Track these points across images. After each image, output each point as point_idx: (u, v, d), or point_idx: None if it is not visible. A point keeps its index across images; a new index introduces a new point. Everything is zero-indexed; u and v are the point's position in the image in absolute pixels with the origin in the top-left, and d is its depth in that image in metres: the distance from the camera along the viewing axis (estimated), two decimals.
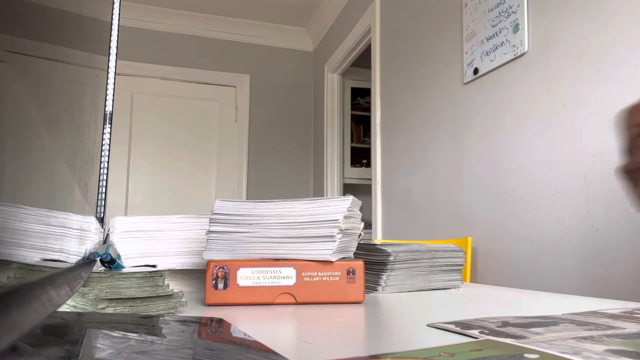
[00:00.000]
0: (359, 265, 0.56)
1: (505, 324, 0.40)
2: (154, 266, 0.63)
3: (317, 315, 0.49)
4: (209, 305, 0.54)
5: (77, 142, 0.46)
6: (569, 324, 0.40)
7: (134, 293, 0.45)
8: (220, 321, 0.42)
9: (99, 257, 0.50)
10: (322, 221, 0.56)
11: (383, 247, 0.71)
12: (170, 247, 0.67)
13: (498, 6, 1.61)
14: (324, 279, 0.55)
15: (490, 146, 1.66)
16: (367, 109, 3.59)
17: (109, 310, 0.43)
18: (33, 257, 0.29)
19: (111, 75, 0.73)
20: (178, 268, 0.67)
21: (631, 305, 0.53)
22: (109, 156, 0.71)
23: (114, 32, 0.73)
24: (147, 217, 0.68)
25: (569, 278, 1.28)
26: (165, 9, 3.58)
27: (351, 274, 0.56)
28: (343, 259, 0.58)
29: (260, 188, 3.73)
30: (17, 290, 0.19)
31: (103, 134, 0.71)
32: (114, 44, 0.73)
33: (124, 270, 0.50)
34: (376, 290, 0.69)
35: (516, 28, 1.52)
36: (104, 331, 0.35)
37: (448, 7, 1.93)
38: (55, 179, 0.36)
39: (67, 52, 0.38)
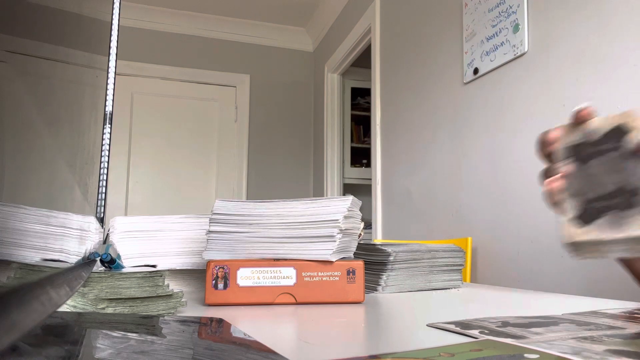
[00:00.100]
0: (359, 265, 0.56)
1: (505, 324, 0.40)
2: (154, 266, 0.63)
3: (317, 315, 0.49)
4: (209, 305, 0.54)
5: (77, 142, 0.46)
6: (569, 324, 0.40)
7: (134, 293, 0.45)
8: (220, 321, 0.42)
9: (99, 257, 0.50)
10: (322, 221, 0.56)
11: (383, 247, 0.71)
12: (170, 247, 0.67)
13: (498, 6, 1.61)
14: (324, 279, 0.55)
15: (490, 146, 1.66)
16: (367, 109, 3.59)
17: (109, 310, 0.43)
18: (33, 257, 0.29)
19: (111, 75, 0.73)
20: (178, 268, 0.67)
21: (631, 305, 0.53)
22: (109, 156, 0.71)
23: (114, 32, 0.73)
24: (147, 217, 0.68)
25: (569, 278, 1.28)
26: (165, 9, 3.58)
27: (351, 274, 0.56)
28: (343, 259, 0.58)
29: (260, 188, 3.73)
30: (17, 290, 0.19)
31: (103, 134, 0.71)
32: (114, 44, 0.73)
33: (124, 270, 0.50)
34: (376, 290, 0.69)
35: (516, 28, 1.52)
36: (104, 331, 0.35)
37: (448, 7, 1.93)
38: (55, 179, 0.36)
39: (67, 52, 0.38)
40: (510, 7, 1.55)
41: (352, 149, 3.69)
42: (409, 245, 0.73)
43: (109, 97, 0.73)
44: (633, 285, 0.76)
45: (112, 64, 0.72)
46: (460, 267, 0.76)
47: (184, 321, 0.41)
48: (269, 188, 3.74)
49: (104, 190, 0.71)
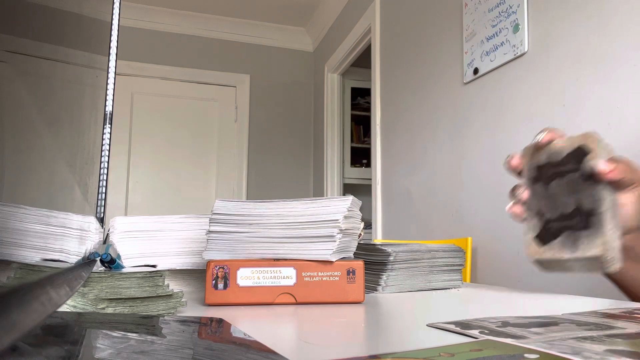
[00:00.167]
0: (359, 265, 0.56)
1: (505, 324, 0.40)
2: (154, 266, 0.63)
3: (317, 315, 0.49)
4: (209, 305, 0.54)
5: (77, 142, 0.46)
6: (569, 324, 0.40)
7: (134, 293, 0.45)
8: (220, 321, 0.42)
9: (99, 257, 0.50)
10: (322, 221, 0.56)
11: (383, 247, 0.71)
12: (170, 247, 0.67)
13: (498, 6, 1.61)
14: (324, 279, 0.55)
15: (490, 146, 1.66)
16: (367, 109, 3.59)
17: (109, 310, 0.43)
18: (33, 257, 0.29)
19: (111, 75, 0.73)
20: (178, 268, 0.67)
21: (631, 305, 0.53)
22: (109, 156, 0.71)
23: (114, 32, 0.73)
24: (147, 217, 0.68)
25: (569, 278, 1.28)
26: (165, 9, 3.58)
27: (351, 274, 0.56)
28: (343, 259, 0.58)
29: (260, 188, 3.73)
30: (17, 290, 0.19)
31: (103, 134, 0.71)
32: (114, 44, 0.73)
33: (124, 270, 0.50)
34: (376, 290, 0.69)
35: (516, 28, 1.52)
36: (104, 331, 0.35)
37: (448, 7, 1.93)
38: (55, 179, 0.36)
39: (67, 52, 0.38)
40: (510, 7, 1.55)
41: (352, 149, 3.69)
42: (409, 245, 0.73)
43: (109, 97, 0.73)
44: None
45: (112, 64, 0.72)
46: (460, 267, 0.76)
47: (184, 321, 0.41)
48: (269, 188, 3.74)
49: (104, 190, 0.71)
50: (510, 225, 1.51)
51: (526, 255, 0.60)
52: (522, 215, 0.60)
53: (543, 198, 0.60)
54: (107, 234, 0.69)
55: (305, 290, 0.55)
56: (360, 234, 0.67)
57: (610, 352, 0.30)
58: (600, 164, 0.53)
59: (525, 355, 0.29)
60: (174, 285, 0.68)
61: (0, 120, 0.22)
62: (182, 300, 0.48)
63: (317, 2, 3.51)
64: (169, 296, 0.47)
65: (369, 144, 2.90)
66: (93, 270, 0.47)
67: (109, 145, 0.72)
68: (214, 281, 0.54)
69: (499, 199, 1.59)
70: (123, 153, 3.45)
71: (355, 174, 3.64)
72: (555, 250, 0.57)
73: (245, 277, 0.54)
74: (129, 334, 0.35)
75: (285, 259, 0.56)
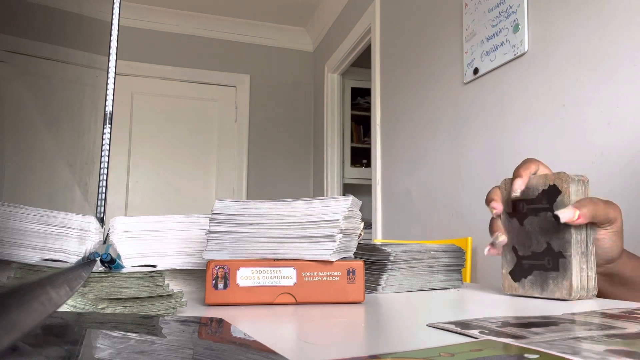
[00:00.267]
0: (359, 265, 0.56)
1: (505, 324, 0.40)
2: (154, 266, 0.63)
3: (317, 315, 0.49)
4: (209, 305, 0.54)
5: (77, 142, 0.46)
6: (569, 324, 0.40)
7: (134, 293, 0.45)
8: (220, 321, 0.42)
9: (99, 257, 0.50)
10: (322, 221, 0.56)
11: (383, 247, 0.71)
12: (170, 247, 0.67)
13: (498, 6, 1.61)
14: (324, 279, 0.55)
15: (490, 146, 1.66)
16: (367, 109, 3.59)
17: (109, 310, 0.43)
18: (33, 257, 0.29)
19: (111, 75, 0.73)
20: (178, 268, 0.67)
21: (631, 305, 0.53)
22: (109, 156, 0.71)
23: (114, 32, 0.73)
24: (147, 217, 0.68)
25: None
26: (165, 9, 3.58)
27: (351, 274, 0.56)
28: (343, 259, 0.58)
29: (260, 188, 3.73)
30: (17, 290, 0.19)
31: (103, 134, 0.71)
32: (114, 44, 0.73)
33: (124, 270, 0.50)
34: (376, 290, 0.69)
35: (516, 28, 1.52)
36: (104, 331, 0.35)
37: (448, 7, 1.93)
38: (55, 179, 0.36)
39: (67, 52, 0.38)
40: (510, 7, 1.55)
41: (352, 149, 3.69)
42: (409, 245, 0.73)
43: (109, 97, 0.73)
44: None
45: (112, 64, 0.72)
46: (460, 267, 0.76)
47: (184, 321, 0.41)
48: (269, 188, 3.74)
49: (104, 190, 0.71)
50: None
51: (501, 288, 0.64)
52: (499, 254, 0.64)
53: (518, 234, 0.62)
54: (107, 234, 0.69)
55: (305, 290, 0.55)
56: (360, 234, 0.67)
57: (610, 352, 0.30)
58: (567, 213, 0.55)
59: (525, 355, 0.29)
60: (174, 285, 0.68)
61: (0, 120, 0.22)
62: (182, 300, 0.48)
63: (317, 2, 3.51)
64: (169, 296, 0.47)
65: (369, 144, 2.90)
66: (93, 270, 0.47)
67: (109, 145, 0.72)
68: (214, 281, 0.54)
69: None
70: (123, 153, 3.45)
71: (355, 174, 3.64)
72: (526, 288, 0.60)
73: (245, 277, 0.54)
74: (129, 334, 0.35)
75: (285, 259, 0.56)
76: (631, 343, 0.33)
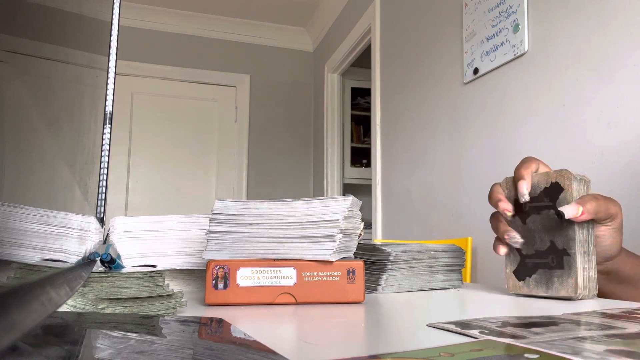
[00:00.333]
0: (359, 265, 0.56)
1: (505, 324, 0.40)
2: (154, 266, 0.63)
3: (317, 315, 0.49)
4: (209, 305, 0.54)
5: (77, 142, 0.46)
6: (569, 324, 0.40)
7: (134, 293, 0.45)
8: (220, 321, 0.42)
9: (99, 257, 0.50)
10: (322, 221, 0.56)
11: (383, 247, 0.71)
12: (170, 247, 0.67)
13: (498, 6, 1.61)
14: (324, 279, 0.55)
15: (490, 146, 1.66)
16: (367, 109, 3.60)
17: (109, 310, 0.43)
18: (33, 257, 0.29)
19: (111, 75, 0.73)
20: (178, 268, 0.67)
21: (631, 305, 0.53)
22: (109, 156, 0.71)
23: (114, 32, 0.73)
24: (147, 217, 0.68)
25: None
26: (165, 9, 3.58)
27: (351, 274, 0.56)
28: (343, 259, 0.58)
29: (260, 188, 3.73)
30: (17, 290, 0.19)
31: (103, 134, 0.71)
32: (114, 44, 0.73)
33: (124, 270, 0.50)
34: (376, 290, 0.69)
35: (516, 28, 1.52)
36: (104, 331, 0.35)
37: (448, 7, 1.93)
38: (55, 179, 0.36)
39: (67, 52, 0.38)
40: (510, 7, 1.55)
41: (352, 149, 3.69)
42: (409, 245, 0.73)
43: (109, 97, 0.73)
44: None
45: (112, 64, 0.72)
46: (460, 267, 0.76)
47: (184, 321, 0.41)
48: (269, 188, 3.74)
49: (104, 190, 0.71)
50: None
51: (505, 288, 0.63)
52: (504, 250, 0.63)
53: (521, 233, 0.62)
54: (107, 234, 0.69)
55: (305, 290, 0.55)
56: (360, 234, 0.67)
57: (610, 352, 0.30)
58: (570, 210, 0.55)
59: (525, 355, 0.29)
60: (174, 285, 0.68)
61: (0, 120, 0.22)
62: (182, 300, 0.48)
63: (317, 2, 3.51)
64: (169, 296, 0.47)
65: (369, 144, 2.90)
66: (93, 270, 0.47)
67: (109, 145, 0.72)
68: (214, 281, 0.54)
69: None
70: (123, 153, 3.45)
71: (355, 174, 3.64)
72: (531, 287, 0.60)
73: (245, 277, 0.54)
74: (129, 334, 0.35)
75: (285, 259, 0.56)
76: (631, 343, 0.33)
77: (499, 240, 0.64)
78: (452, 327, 0.39)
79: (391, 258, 0.69)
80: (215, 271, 0.54)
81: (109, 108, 0.72)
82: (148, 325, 0.40)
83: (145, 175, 3.52)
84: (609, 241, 0.59)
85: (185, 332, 0.37)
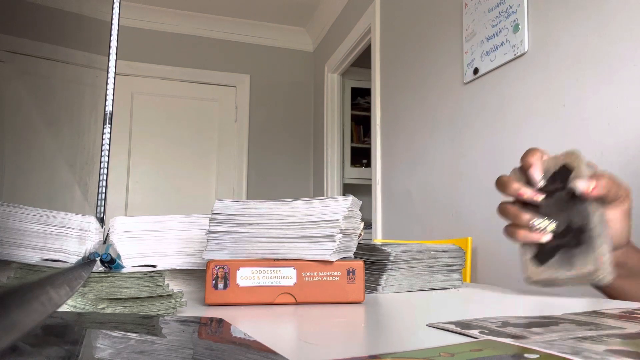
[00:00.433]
0: (359, 265, 0.56)
1: (505, 324, 0.40)
2: (154, 266, 0.63)
3: (317, 315, 0.49)
4: (209, 305, 0.54)
5: (77, 142, 0.46)
6: (569, 324, 0.40)
7: (134, 293, 0.45)
8: (220, 321, 0.42)
9: (99, 257, 0.50)
10: (322, 221, 0.56)
11: (383, 247, 0.71)
12: (170, 247, 0.67)
13: (498, 6, 1.61)
14: (324, 279, 0.55)
15: (490, 146, 1.66)
16: (367, 109, 3.59)
17: (109, 310, 0.43)
18: (33, 257, 0.29)
19: (111, 75, 0.73)
20: (178, 268, 0.67)
21: (631, 305, 0.53)
22: (109, 156, 0.71)
23: (114, 32, 0.73)
24: (147, 217, 0.68)
25: None
26: (165, 9, 3.58)
27: (351, 274, 0.56)
28: (343, 259, 0.58)
29: (260, 188, 3.73)
30: (17, 290, 0.19)
31: (103, 134, 0.71)
32: (114, 44, 0.73)
33: (124, 270, 0.50)
34: (376, 290, 0.69)
35: (516, 28, 1.52)
36: (104, 331, 0.35)
37: (448, 7, 1.93)
38: (55, 179, 0.36)
39: (67, 52, 0.38)
40: (510, 7, 1.55)
41: (352, 149, 3.69)
42: (409, 245, 0.73)
43: (109, 97, 0.73)
44: None
45: (112, 64, 0.72)
46: (460, 267, 0.76)
47: (184, 321, 0.41)
48: (269, 188, 3.74)
49: (104, 190, 0.71)
50: None
51: (525, 277, 0.61)
52: (539, 239, 0.60)
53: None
54: (107, 234, 0.69)
55: (305, 290, 0.55)
56: (360, 234, 0.67)
57: (610, 352, 0.30)
58: (583, 184, 0.55)
59: (525, 355, 0.29)
60: (174, 285, 0.68)
61: (0, 120, 0.22)
62: (182, 300, 0.48)
63: (317, 2, 3.51)
64: (169, 296, 0.47)
65: (369, 144, 2.90)
66: (93, 270, 0.47)
67: (109, 145, 0.72)
68: (214, 281, 0.54)
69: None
70: (123, 153, 3.45)
71: (355, 174, 3.64)
72: (552, 270, 0.58)
73: (245, 277, 0.54)
74: (129, 334, 0.35)
75: (285, 259, 0.56)
76: (631, 343, 0.33)
77: (515, 226, 0.62)
78: (452, 327, 0.39)
79: (391, 258, 0.69)
80: (215, 271, 0.54)
81: (109, 108, 0.72)
82: (148, 325, 0.40)
83: (145, 175, 3.52)
84: (619, 226, 0.58)
85: (185, 332, 0.37)
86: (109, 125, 0.72)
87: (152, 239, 0.67)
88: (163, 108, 3.60)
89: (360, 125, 3.94)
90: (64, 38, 0.36)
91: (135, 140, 3.51)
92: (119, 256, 0.57)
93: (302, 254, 0.56)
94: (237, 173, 3.71)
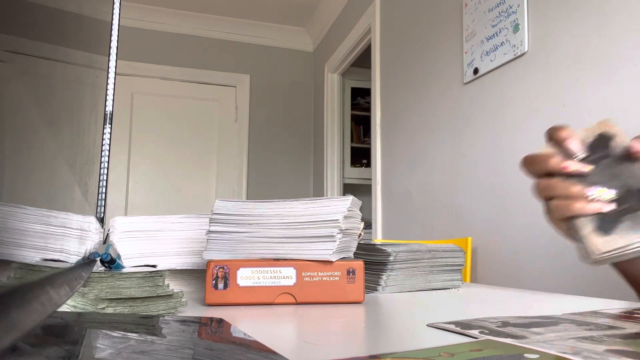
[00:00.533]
0: (359, 265, 0.56)
1: (505, 324, 0.40)
2: (154, 266, 0.63)
3: (317, 315, 0.49)
4: (209, 305, 0.54)
5: (77, 142, 0.46)
6: (569, 324, 0.40)
7: (134, 293, 0.45)
8: (220, 321, 0.42)
9: (99, 257, 0.50)
10: (322, 221, 0.56)
11: (383, 247, 0.71)
12: (170, 247, 0.67)
13: (498, 6, 1.61)
14: (324, 279, 0.55)
15: (490, 146, 1.66)
16: (367, 109, 3.60)
17: (109, 310, 0.43)
18: (33, 257, 0.29)
19: (111, 75, 0.73)
20: (178, 268, 0.67)
21: (631, 305, 0.53)
22: (109, 156, 0.71)
23: (114, 32, 0.73)
24: (147, 217, 0.68)
25: (569, 278, 1.28)
26: (165, 9, 3.58)
27: (351, 274, 0.56)
28: (343, 259, 0.58)
29: (260, 188, 3.73)
30: (17, 290, 0.19)
31: (103, 134, 0.71)
32: (114, 44, 0.73)
33: (124, 270, 0.50)
34: (376, 290, 0.69)
35: (516, 28, 1.52)
36: (104, 331, 0.35)
37: (448, 7, 1.93)
38: (55, 179, 0.36)
39: (67, 52, 0.38)
40: (510, 7, 1.55)
41: (352, 149, 3.69)
42: (409, 245, 0.73)
43: (109, 97, 0.73)
44: None
45: (112, 64, 0.72)
46: (460, 267, 0.76)
47: (184, 321, 0.41)
48: (269, 188, 3.74)
49: (104, 190, 0.71)
50: (510, 225, 1.51)
51: (588, 253, 0.54)
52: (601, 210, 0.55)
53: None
54: (107, 234, 0.69)
55: (305, 290, 0.55)
56: (360, 234, 0.67)
57: (610, 352, 0.30)
58: (636, 144, 0.52)
59: (525, 355, 0.29)
60: (174, 285, 0.68)
61: (0, 120, 0.22)
62: (182, 300, 0.48)
63: (317, 2, 3.51)
64: (169, 296, 0.47)
65: (369, 144, 2.90)
66: (93, 270, 0.47)
67: (109, 145, 0.71)
68: (214, 281, 0.54)
69: (498, 199, 1.59)
70: (123, 153, 3.45)
71: (355, 174, 3.64)
72: (621, 237, 0.53)
73: (245, 277, 0.54)
74: (129, 334, 0.35)
75: (285, 259, 0.56)
76: (631, 343, 0.33)
77: (564, 199, 0.56)
78: (452, 327, 0.39)
79: (391, 258, 0.69)
80: (215, 271, 0.54)
81: (109, 108, 0.72)
82: (148, 325, 0.40)
83: (145, 175, 3.52)
84: None
85: (185, 332, 0.37)
86: (109, 125, 0.72)
87: (152, 239, 0.67)
88: (163, 108, 3.60)
89: (360, 125, 3.93)
90: (64, 38, 0.36)
91: (135, 140, 3.51)
92: (119, 256, 0.57)
93: (302, 254, 0.56)
94: (237, 173, 3.71)
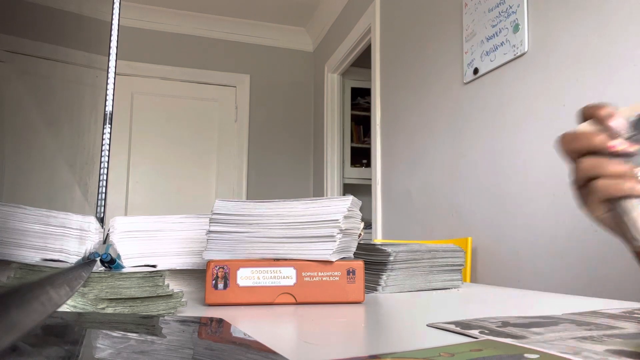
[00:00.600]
0: (359, 265, 0.56)
1: (505, 324, 0.40)
2: (154, 266, 0.63)
3: (317, 315, 0.49)
4: (209, 305, 0.54)
5: (77, 142, 0.46)
6: (569, 324, 0.40)
7: (134, 293, 0.45)
8: (220, 321, 0.42)
9: (99, 257, 0.50)
10: (322, 221, 0.56)
11: (383, 247, 0.71)
12: (170, 247, 0.67)
13: (498, 6, 1.61)
14: (324, 279, 0.55)
15: (490, 146, 1.66)
16: (367, 109, 3.59)
17: (109, 310, 0.43)
18: (33, 257, 0.29)
19: (111, 75, 0.73)
20: (178, 268, 0.67)
21: (631, 305, 0.53)
22: (109, 156, 0.71)
23: (114, 32, 0.73)
24: (147, 217, 0.68)
25: (569, 278, 1.28)
26: (165, 9, 3.58)
27: (351, 274, 0.56)
28: (343, 259, 0.58)
29: (260, 188, 3.73)
30: (17, 290, 0.19)
31: (103, 134, 0.71)
32: (114, 44, 0.73)
33: (124, 270, 0.50)
34: (376, 290, 0.69)
35: (516, 28, 1.52)
36: (104, 331, 0.35)
37: (448, 7, 1.93)
38: (55, 179, 0.36)
39: (67, 52, 0.38)
40: (510, 7, 1.55)
41: (352, 149, 3.69)
42: (409, 245, 0.73)
43: (109, 97, 0.73)
44: (633, 285, 0.76)
45: (112, 64, 0.72)
46: (460, 267, 0.76)
47: (184, 321, 0.41)
48: (269, 188, 3.74)
49: (104, 190, 0.71)
50: (510, 225, 1.51)
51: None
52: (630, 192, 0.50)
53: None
54: (107, 234, 0.69)
55: (305, 290, 0.55)
56: (360, 234, 0.67)
57: (610, 352, 0.30)
58: None
59: (525, 355, 0.29)
60: (174, 285, 0.68)
61: (0, 120, 0.22)
62: (182, 300, 0.48)
63: (317, 2, 3.51)
64: (169, 296, 0.47)
65: (369, 144, 2.90)
66: (93, 270, 0.47)
67: (109, 145, 0.71)
68: (214, 281, 0.54)
69: (498, 199, 1.59)
70: (123, 153, 3.45)
71: (355, 174, 3.64)
72: None
73: (245, 277, 0.54)
74: (129, 334, 0.35)
75: (285, 259, 0.56)
76: (631, 343, 0.33)
77: (615, 178, 0.52)
78: (452, 327, 0.39)
79: (391, 258, 0.69)
80: (215, 271, 0.54)
81: (109, 108, 0.72)
82: (148, 325, 0.40)
83: (145, 175, 3.52)
84: None
85: (185, 332, 0.37)
86: (109, 125, 0.72)
87: (152, 239, 0.67)
88: (163, 108, 3.60)
89: (360, 125, 3.93)
90: (64, 38, 0.36)
91: (135, 140, 3.51)
92: (119, 256, 0.57)
93: (302, 254, 0.56)
94: (237, 173, 3.71)
